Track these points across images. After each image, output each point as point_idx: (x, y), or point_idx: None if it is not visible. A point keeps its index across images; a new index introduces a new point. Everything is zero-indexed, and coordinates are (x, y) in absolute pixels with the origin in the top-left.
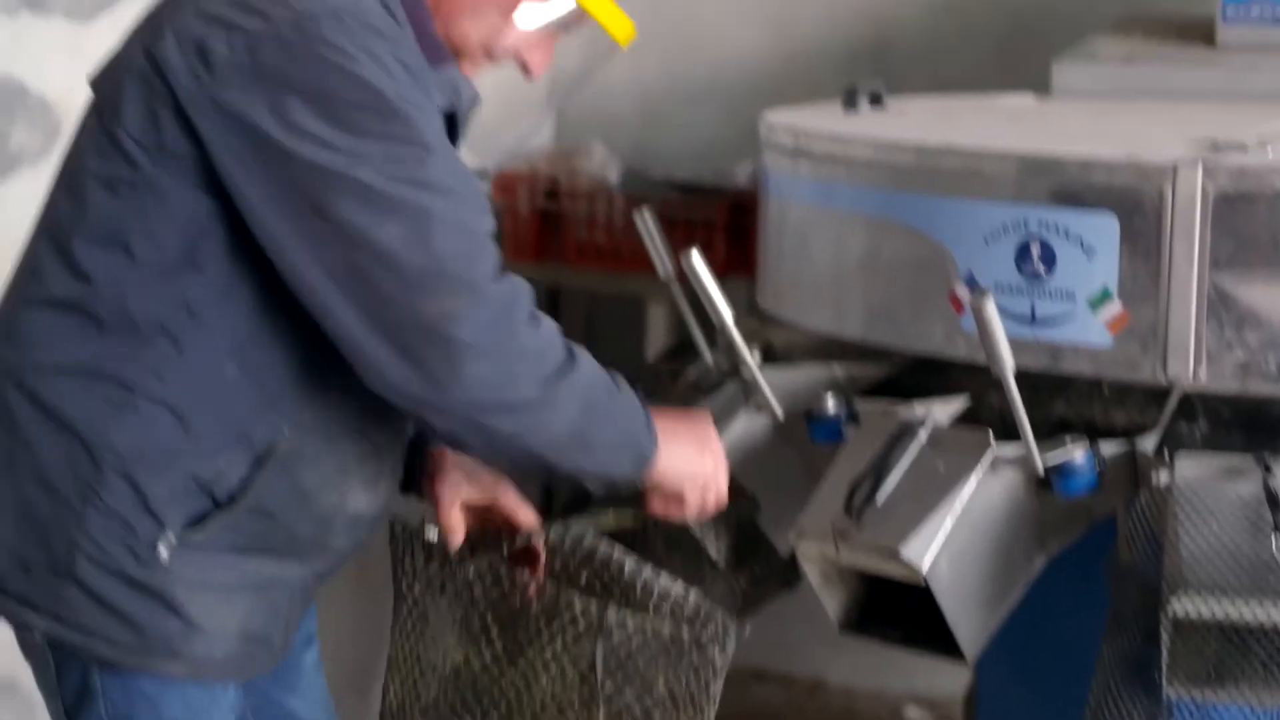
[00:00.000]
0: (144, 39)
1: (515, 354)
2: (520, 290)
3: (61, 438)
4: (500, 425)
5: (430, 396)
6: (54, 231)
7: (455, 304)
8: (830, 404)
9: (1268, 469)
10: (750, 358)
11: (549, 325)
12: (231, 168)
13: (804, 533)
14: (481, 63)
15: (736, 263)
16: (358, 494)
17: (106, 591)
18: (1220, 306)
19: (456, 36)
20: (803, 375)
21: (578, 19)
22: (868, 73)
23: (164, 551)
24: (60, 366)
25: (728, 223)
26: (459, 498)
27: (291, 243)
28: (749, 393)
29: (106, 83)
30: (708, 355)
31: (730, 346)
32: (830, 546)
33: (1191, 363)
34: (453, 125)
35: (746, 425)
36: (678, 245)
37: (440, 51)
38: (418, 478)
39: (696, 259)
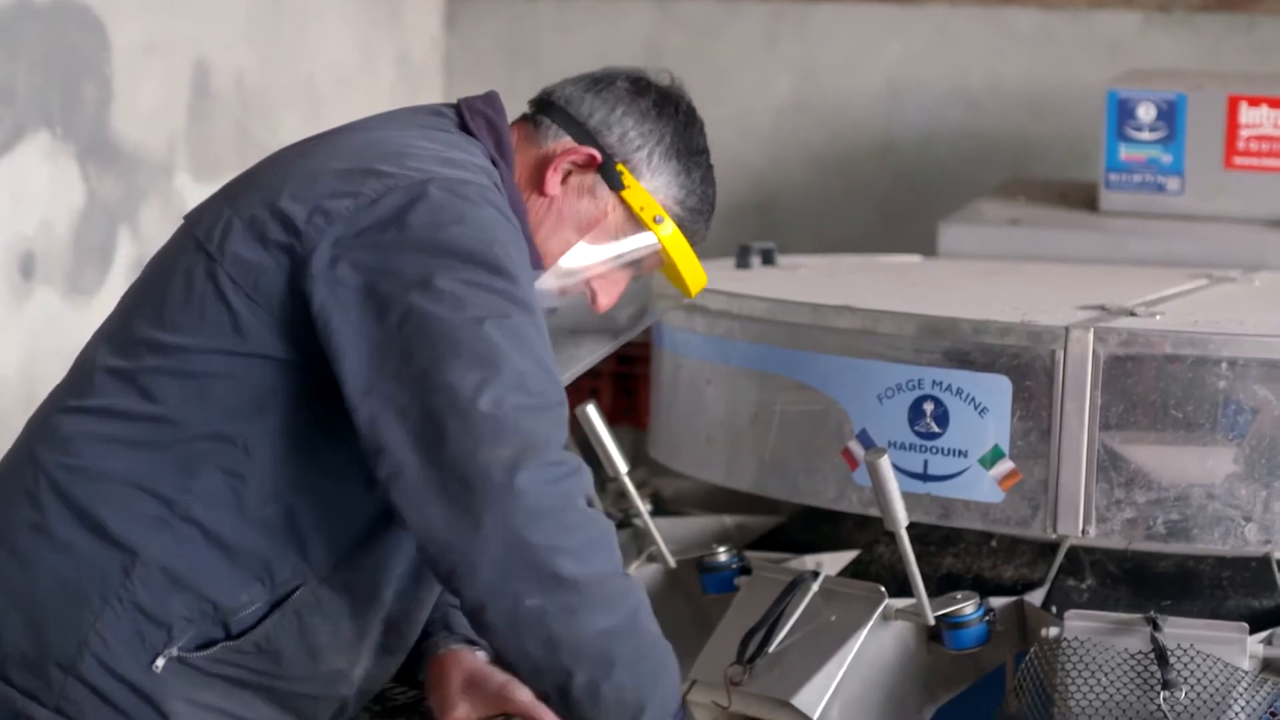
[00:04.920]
0: (265, 191)
1: (565, 523)
2: (584, 471)
3: (92, 540)
4: (530, 596)
5: (468, 545)
6: (124, 346)
7: (518, 456)
8: (722, 555)
9: (1156, 626)
10: (643, 508)
11: (610, 526)
12: (334, 318)
13: (697, 681)
14: (562, 281)
15: (621, 412)
16: (366, 661)
17: (110, 692)
18: (1110, 466)
19: (539, 247)
20: (693, 525)
21: (654, 262)
22: (754, 230)
23: (161, 663)
24: (103, 473)
25: (614, 372)
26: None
27: (376, 387)
28: (640, 542)
29: (211, 220)
30: (598, 504)
31: (622, 496)
32: (723, 695)
33: (1081, 520)
34: None
35: (637, 574)
36: None
37: (535, 258)
38: (419, 677)
39: (592, 411)
